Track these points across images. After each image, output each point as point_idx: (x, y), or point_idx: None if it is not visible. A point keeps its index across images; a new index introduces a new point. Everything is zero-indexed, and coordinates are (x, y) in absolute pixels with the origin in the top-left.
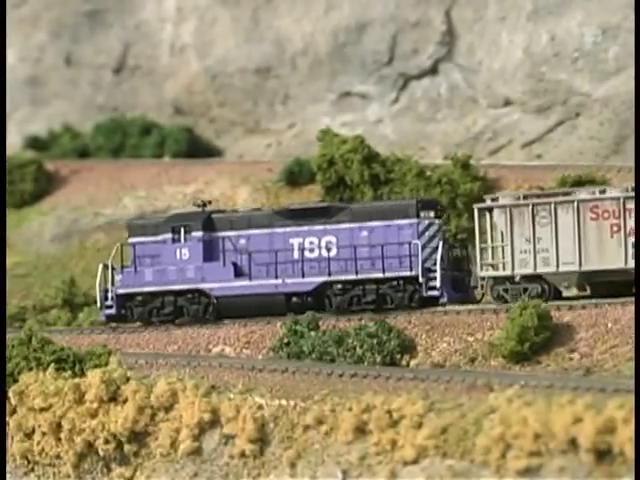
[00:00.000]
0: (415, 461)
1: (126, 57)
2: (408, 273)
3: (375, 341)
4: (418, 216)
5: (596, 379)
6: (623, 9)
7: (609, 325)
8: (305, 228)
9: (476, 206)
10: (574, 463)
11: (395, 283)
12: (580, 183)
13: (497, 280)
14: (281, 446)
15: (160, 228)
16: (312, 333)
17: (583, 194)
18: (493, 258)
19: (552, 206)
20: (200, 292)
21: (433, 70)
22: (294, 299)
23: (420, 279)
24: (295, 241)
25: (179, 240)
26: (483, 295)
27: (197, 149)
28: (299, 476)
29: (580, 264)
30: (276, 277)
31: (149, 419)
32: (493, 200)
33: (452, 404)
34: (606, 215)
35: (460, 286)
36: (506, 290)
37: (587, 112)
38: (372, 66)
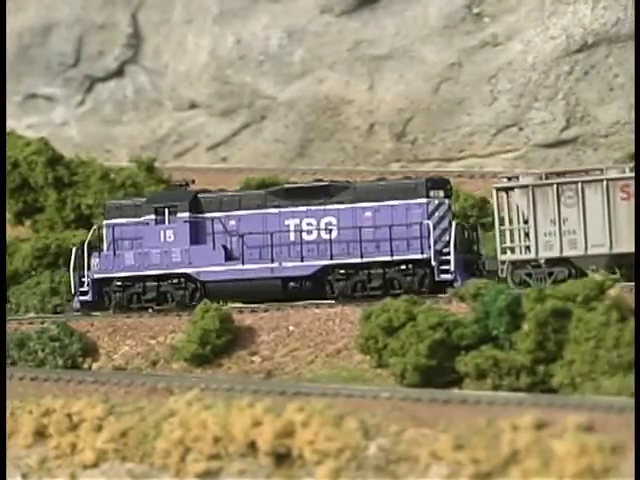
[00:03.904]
0: (95, 464)
1: None
2: (419, 256)
3: (57, 344)
4: (428, 195)
5: (276, 382)
6: (309, 12)
7: (291, 328)
8: (303, 208)
9: (495, 186)
10: (254, 466)
11: (404, 267)
12: (264, 186)
13: (519, 264)
14: None
15: (142, 209)
16: None
17: (613, 173)
18: (514, 241)
19: (579, 186)
20: (187, 277)
21: (119, 72)
22: (291, 284)
23: (432, 262)
24: (291, 222)
25: (163, 221)
26: (499, 279)
27: None
28: None
29: (611, 246)
30: (272, 261)
31: None
32: (511, 179)
33: (132, 407)
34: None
35: (472, 270)
36: (529, 274)
37: (272, 115)
38: (58, 68)
